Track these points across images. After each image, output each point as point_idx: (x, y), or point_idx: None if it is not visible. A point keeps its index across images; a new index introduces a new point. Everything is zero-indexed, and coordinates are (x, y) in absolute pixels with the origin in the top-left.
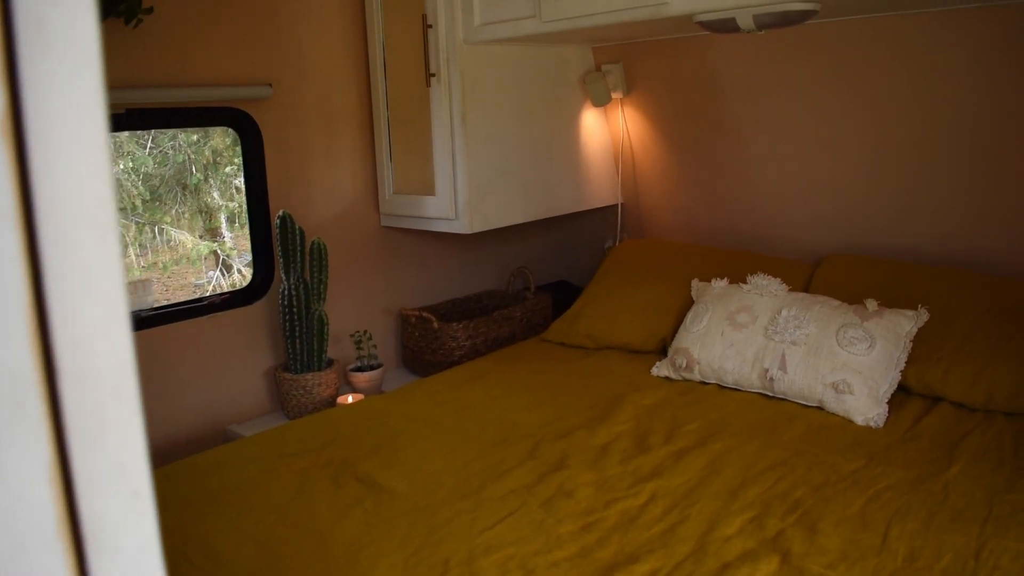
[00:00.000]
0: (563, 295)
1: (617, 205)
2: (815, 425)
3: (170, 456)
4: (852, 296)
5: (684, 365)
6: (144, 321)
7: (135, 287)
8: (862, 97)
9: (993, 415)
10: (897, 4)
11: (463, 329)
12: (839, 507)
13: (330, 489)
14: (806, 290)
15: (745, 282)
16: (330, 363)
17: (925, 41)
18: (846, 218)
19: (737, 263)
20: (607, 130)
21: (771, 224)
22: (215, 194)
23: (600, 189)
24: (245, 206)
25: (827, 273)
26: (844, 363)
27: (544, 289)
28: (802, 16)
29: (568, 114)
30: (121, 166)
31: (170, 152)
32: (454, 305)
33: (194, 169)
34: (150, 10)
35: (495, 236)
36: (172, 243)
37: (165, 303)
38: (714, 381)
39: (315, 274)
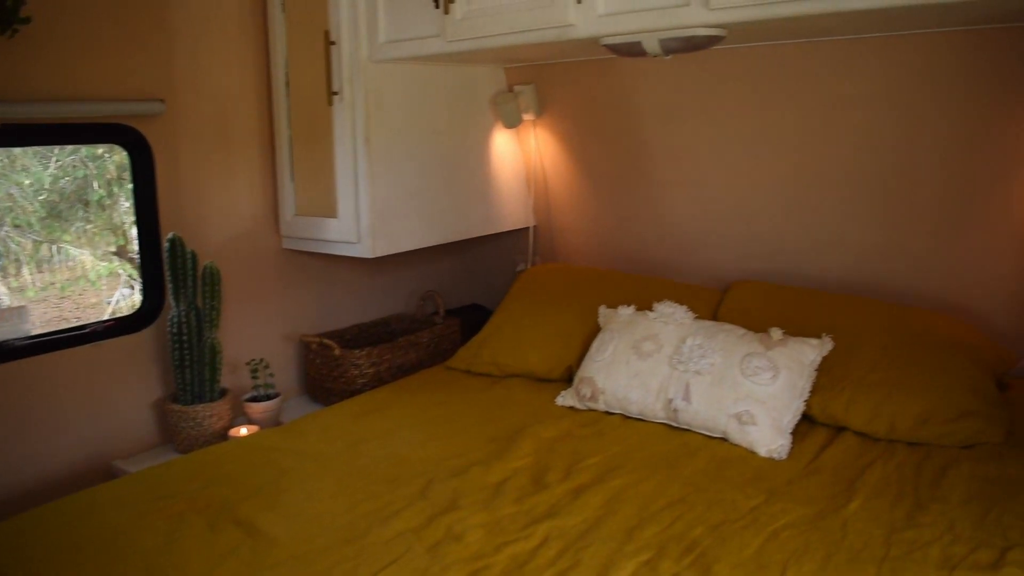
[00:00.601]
0: (475, 319)
1: (529, 228)
2: (717, 458)
3: (49, 495)
4: (759, 324)
5: (589, 395)
6: (20, 351)
7: (9, 314)
8: (774, 125)
9: (895, 445)
10: (804, 32)
11: (366, 356)
12: (736, 548)
13: (205, 536)
14: (714, 317)
15: (653, 309)
16: (223, 393)
17: (834, 69)
18: (757, 245)
19: (648, 289)
20: (519, 152)
21: (683, 250)
22: (122, 210)
23: (512, 212)
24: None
25: (735, 300)
26: (748, 393)
27: (456, 313)
28: (708, 42)
29: (478, 135)
30: (26, 181)
31: (71, 167)
32: (360, 330)
33: (96, 185)
34: (27, 20)
35: (405, 259)
36: (71, 262)
37: (46, 330)
38: (619, 411)
39: (207, 300)
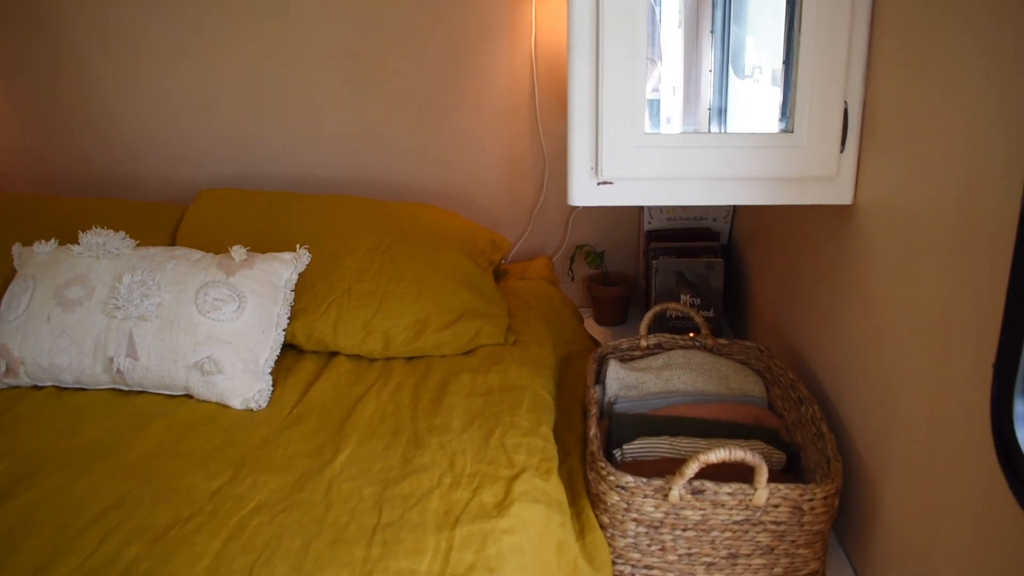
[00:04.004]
0: None
1: None
2: (179, 425)
3: None
4: (228, 241)
5: (4, 370)
6: None
7: None
8: None
9: (393, 364)
10: None
11: None
12: (185, 563)
13: None
14: (173, 241)
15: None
16: None
17: None
18: (224, 144)
19: (89, 215)
20: None
21: (135, 159)
22: None
23: None
24: None
25: (198, 216)
26: (209, 334)
27: None
28: None
29: None
30: None
31: None
32: None
33: None
34: None
35: None
36: None
37: None
38: (51, 383)
39: None
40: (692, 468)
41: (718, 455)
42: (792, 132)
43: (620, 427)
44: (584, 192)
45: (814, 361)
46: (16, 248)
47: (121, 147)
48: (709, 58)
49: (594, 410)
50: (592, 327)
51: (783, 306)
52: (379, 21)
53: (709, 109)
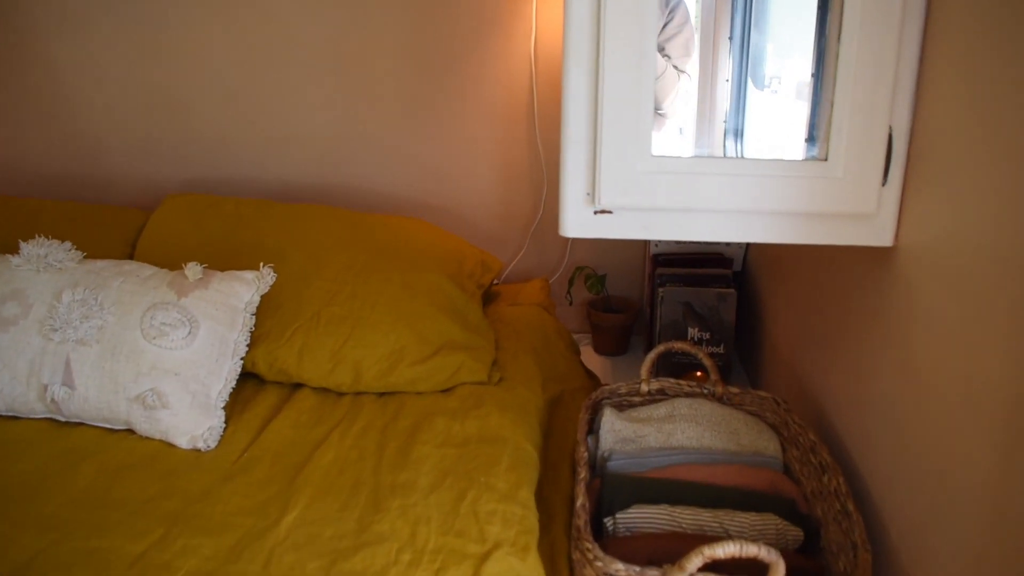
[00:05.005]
0: None
1: None
2: (113, 467)
3: None
4: (193, 253)
5: None
6: None
7: None
8: None
9: (362, 400)
10: None
11: None
12: None
13: None
14: (132, 252)
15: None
16: None
17: None
18: (201, 145)
19: (45, 219)
20: None
21: (101, 158)
22: None
23: None
24: None
25: (161, 224)
26: (154, 363)
27: None
28: None
29: None
30: None
31: None
32: None
33: None
34: None
35: None
36: None
37: None
38: None
39: None
40: (694, 563)
41: (726, 550)
42: (826, 160)
43: (613, 490)
44: (578, 222)
45: (839, 421)
46: None
47: (84, 144)
48: (726, 67)
49: (583, 474)
50: (590, 356)
51: (803, 349)
52: (365, 17)
53: (725, 123)
